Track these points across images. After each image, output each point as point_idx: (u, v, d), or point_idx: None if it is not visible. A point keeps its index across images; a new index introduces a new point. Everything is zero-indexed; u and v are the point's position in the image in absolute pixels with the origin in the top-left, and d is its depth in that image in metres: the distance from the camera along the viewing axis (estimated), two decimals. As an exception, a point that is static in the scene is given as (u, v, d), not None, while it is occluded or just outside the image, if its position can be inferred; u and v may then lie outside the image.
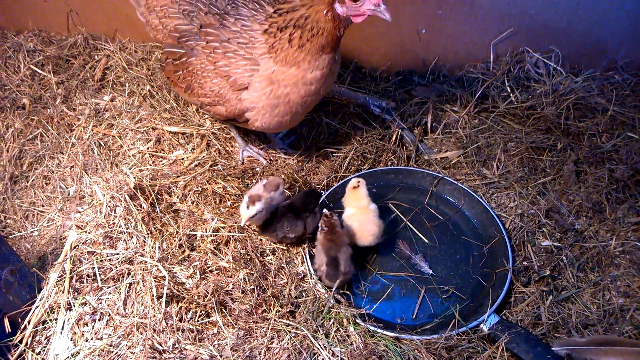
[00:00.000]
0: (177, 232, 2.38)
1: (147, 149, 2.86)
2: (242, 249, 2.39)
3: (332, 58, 2.30)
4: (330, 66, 2.32)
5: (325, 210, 2.34)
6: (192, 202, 2.57)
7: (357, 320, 2.18)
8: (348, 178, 2.68)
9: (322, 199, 2.54)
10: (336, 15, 2.16)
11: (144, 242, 2.32)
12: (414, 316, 2.32)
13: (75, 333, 2.09)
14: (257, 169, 2.80)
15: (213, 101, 2.52)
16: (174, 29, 2.57)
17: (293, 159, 2.87)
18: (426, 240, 2.58)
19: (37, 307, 2.13)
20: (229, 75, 2.41)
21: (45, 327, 2.11)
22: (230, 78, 2.41)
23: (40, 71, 3.32)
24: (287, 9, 2.23)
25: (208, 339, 2.10)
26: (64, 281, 2.18)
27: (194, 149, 2.88)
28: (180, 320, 2.10)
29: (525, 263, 2.46)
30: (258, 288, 2.23)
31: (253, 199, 2.32)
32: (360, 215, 2.44)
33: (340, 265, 2.28)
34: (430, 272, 2.44)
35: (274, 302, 2.20)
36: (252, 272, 2.28)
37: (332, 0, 2.14)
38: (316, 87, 2.36)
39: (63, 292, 2.15)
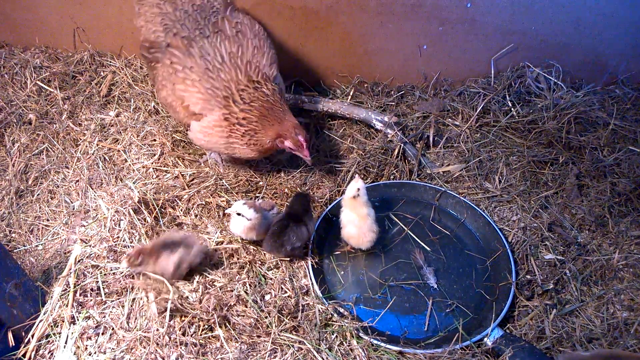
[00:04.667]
0: (181, 246, 2.39)
1: (152, 163, 2.88)
2: (246, 262, 2.40)
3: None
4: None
5: None
6: (196, 216, 2.59)
7: (360, 334, 2.18)
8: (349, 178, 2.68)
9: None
10: (275, 146, 2.55)
11: (148, 255, 2.32)
12: (425, 329, 2.31)
13: (78, 347, 2.09)
14: (261, 183, 2.82)
15: (165, 106, 2.71)
16: (146, 39, 2.73)
17: (297, 172, 2.89)
18: (429, 250, 2.59)
19: (40, 320, 2.13)
20: (183, 99, 2.56)
21: (48, 341, 2.11)
22: (184, 102, 2.57)
23: (46, 87, 3.36)
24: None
25: (211, 353, 2.09)
26: (68, 295, 2.18)
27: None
28: (183, 335, 2.10)
29: (528, 276, 2.46)
30: (261, 302, 2.24)
31: (250, 205, 2.35)
32: (359, 221, 2.46)
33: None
34: (435, 286, 2.45)
35: (277, 316, 2.20)
36: (256, 286, 2.28)
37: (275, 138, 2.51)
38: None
39: (67, 306, 2.16)
